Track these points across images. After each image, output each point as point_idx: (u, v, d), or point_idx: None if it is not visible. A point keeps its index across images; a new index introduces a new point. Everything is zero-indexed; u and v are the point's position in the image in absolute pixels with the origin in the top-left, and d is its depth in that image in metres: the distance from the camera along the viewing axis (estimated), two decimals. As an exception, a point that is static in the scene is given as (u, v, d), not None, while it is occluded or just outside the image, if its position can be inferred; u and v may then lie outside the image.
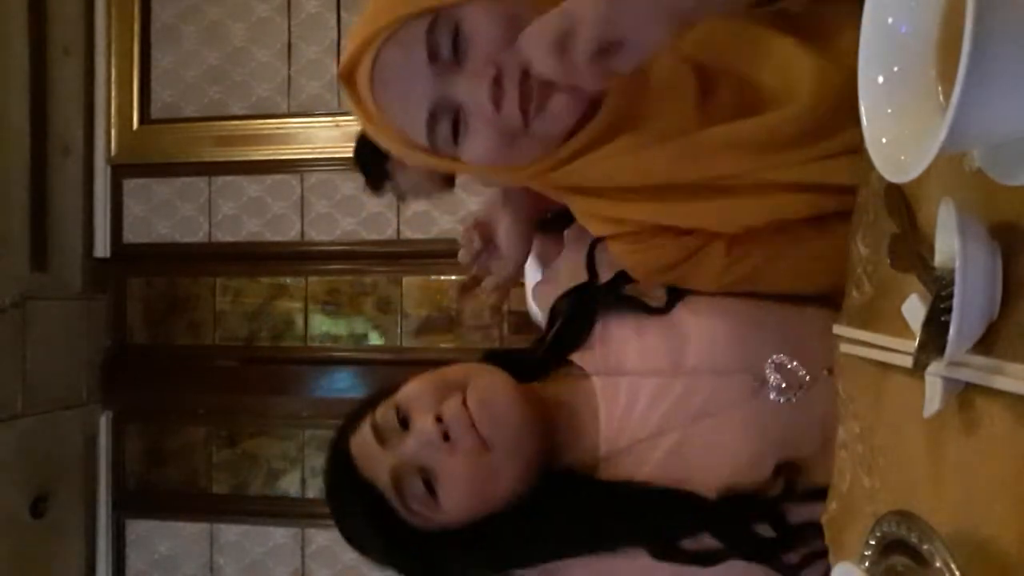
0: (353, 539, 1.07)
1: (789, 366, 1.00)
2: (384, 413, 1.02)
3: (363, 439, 1.02)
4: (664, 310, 1.05)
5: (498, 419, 0.98)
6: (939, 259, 0.63)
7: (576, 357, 1.08)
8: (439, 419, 0.98)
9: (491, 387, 1.01)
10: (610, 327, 1.08)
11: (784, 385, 1.00)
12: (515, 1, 0.92)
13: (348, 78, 0.96)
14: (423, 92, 0.91)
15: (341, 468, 1.04)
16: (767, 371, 1.00)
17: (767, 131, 0.93)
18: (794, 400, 0.99)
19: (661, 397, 1.01)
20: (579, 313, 1.10)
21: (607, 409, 1.03)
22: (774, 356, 1.00)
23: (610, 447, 1.03)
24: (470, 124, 0.91)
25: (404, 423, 1.00)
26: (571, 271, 1.15)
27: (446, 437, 0.97)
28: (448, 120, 0.92)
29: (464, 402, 0.98)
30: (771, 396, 0.99)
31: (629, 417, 1.02)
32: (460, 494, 0.99)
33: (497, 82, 0.88)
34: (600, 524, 1.01)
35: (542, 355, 1.12)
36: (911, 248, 0.71)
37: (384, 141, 0.99)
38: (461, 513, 1.00)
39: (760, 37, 0.96)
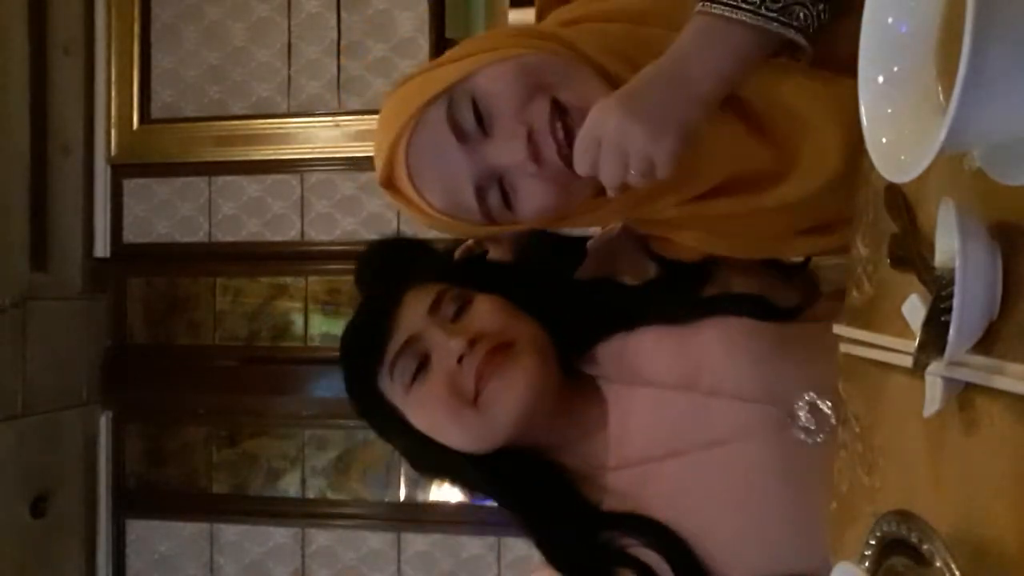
0: (348, 353, 1.08)
1: (822, 408, 0.95)
2: (451, 297, 1.02)
3: (419, 298, 1.03)
4: (794, 313, 1.02)
5: (504, 400, 0.97)
6: (939, 259, 0.63)
7: (597, 356, 1.05)
8: (473, 342, 0.97)
9: (526, 371, 0.98)
10: (633, 333, 1.05)
11: (814, 426, 0.95)
12: (518, 51, 0.93)
13: (389, 184, 0.98)
14: (463, 172, 0.92)
15: (387, 298, 1.04)
16: (798, 408, 0.96)
17: (807, 190, 0.95)
18: (819, 441, 0.95)
19: (670, 413, 0.99)
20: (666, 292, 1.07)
21: (616, 419, 1.01)
22: (808, 394, 0.96)
23: (619, 460, 1.00)
24: (518, 185, 0.92)
25: (460, 312, 1.01)
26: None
27: (460, 359, 0.97)
28: (496, 189, 0.93)
29: (499, 350, 0.97)
30: (798, 435, 0.95)
31: (637, 430, 1.00)
32: (424, 409, 1.00)
33: (531, 138, 0.89)
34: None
35: (609, 311, 1.08)
36: (911, 248, 0.71)
37: (444, 230, 1.01)
38: (419, 423, 1.01)
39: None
